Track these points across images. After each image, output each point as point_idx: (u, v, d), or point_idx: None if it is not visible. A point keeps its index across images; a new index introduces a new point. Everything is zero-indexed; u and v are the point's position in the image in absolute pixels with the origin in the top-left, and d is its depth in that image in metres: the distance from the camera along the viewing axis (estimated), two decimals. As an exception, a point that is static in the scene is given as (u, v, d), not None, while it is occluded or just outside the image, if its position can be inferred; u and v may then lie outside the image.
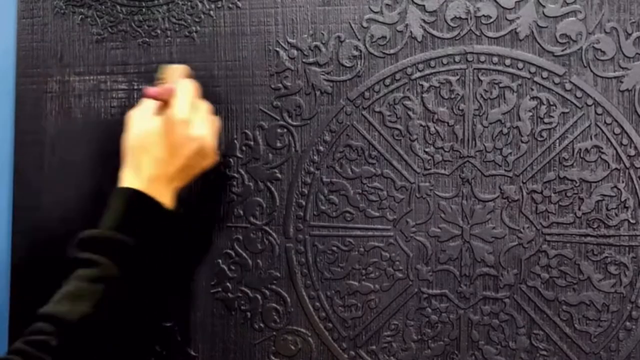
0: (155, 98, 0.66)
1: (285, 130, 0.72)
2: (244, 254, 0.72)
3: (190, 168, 0.65)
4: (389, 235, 0.70)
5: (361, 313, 0.70)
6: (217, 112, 0.73)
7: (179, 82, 0.67)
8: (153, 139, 0.64)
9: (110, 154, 0.76)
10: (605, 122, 0.66)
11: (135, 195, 0.63)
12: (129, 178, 0.64)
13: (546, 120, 0.67)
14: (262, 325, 0.72)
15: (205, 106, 0.68)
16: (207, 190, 0.73)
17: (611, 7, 0.66)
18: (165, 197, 0.64)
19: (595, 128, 0.66)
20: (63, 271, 0.61)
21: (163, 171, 0.64)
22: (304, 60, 0.71)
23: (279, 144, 0.72)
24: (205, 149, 0.65)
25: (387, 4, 0.70)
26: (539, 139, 0.67)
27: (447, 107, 0.69)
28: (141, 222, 0.63)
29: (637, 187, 0.66)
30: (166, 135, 0.64)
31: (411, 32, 0.69)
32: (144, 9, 0.75)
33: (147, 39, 0.75)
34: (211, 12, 0.74)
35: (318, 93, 0.71)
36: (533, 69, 0.67)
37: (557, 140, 0.67)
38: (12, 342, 0.77)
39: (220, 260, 0.73)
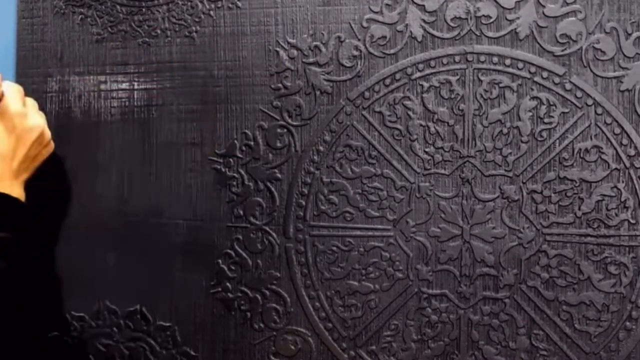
0: None
1: (285, 130, 0.72)
2: (244, 254, 0.72)
3: (32, 158, 0.68)
4: (389, 235, 0.70)
5: (361, 313, 0.70)
6: (217, 112, 0.73)
7: (3, 85, 0.68)
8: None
9: (110, 154, 0.76)
10: (605, 122, 0.66)
11: None
12: None
13: (546, 120, 0.67)
14: (262, 325, 0.72)
15: (33, 101, 0.71)
16: (208, 190, 0.73)
17: (611, 7, 0.66)
18: (16, 191, 0.66)
19: (595, 128, 0.66)
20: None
21: (8, 166, 0.65)
22: (304, 60, 0.71)
23: (279, 144, 0.72)
24: (44, 137, 0.69)
25: (387, 4, 0.70)
26: (539, 139, 0.67)
27: (447, 107, 0.69)
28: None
29: (637, 187, 0.66)
30: (5, 131, 0.66)
31: (411, 32, 0.69)
32: (144, 9, 0.75)
33: (147, 39, 0.75)
34: (211, 12, 0.74)
35: (318, 93, 0.71)
36: (533, 69, 0.67)
37: (557, 140, 0.67)
38: (12, 342, 0.77)
39: (220, 260, 0.73)
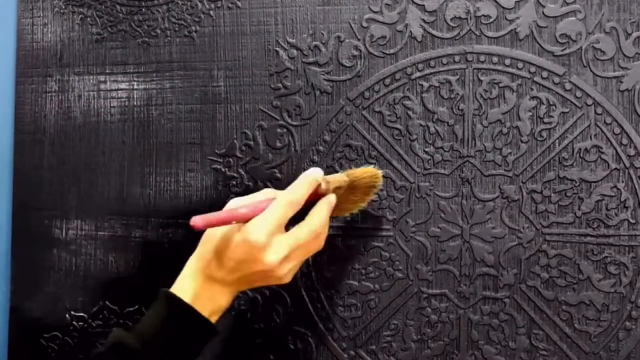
0: (203, 227, 0.57)
1: (285, 130, 0.72)
2: (244, 254, 0.72)
3: (252, 282, 0.60)
4: (389, 235, 0.70)
5: (361, 313, 0.70)
6: (217, 112, 0.73)
7: (291, 189, 0.60)
8: (224, 245, 0.58)
9: (110, 154, 0.76)
10: (605, 122, 0.66)
11: (180, 307, 0.58)
12: (190, 268, 0.60)
13: (546, 120, 0.67)
14: (262, 325, 0.72)
15: (306, 227, 0.60)
16: (208, 190, 0.73)
17: (611, 7, 0.66)
18: (219, 298, 0.60)
19: (595, 128, 0.66)
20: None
21: (224, 276, 0.59)
22: (304, 60, 0.71)
23: (279, 144, 0.72)
24: (273, 275, 0.59)
25: (387, 4, 0.70)
26: (539, 139, 0.67)
27: (447, 107, 0.69)
28: (179, 336, 0.58)
29: (637, 187, 0.66)
30: (232, 248, 0.58)
31: (411, 32, 0.69)
32: (144, 9, 0.75)
33: (147, 39, 0.75)
34: (211, 12, 0.74)
35: (318, 93, 0.71)
36: (533, 69, 0.67)
37: (557, 140, 0.67)
38: (12, 342, 0.77)
39: (220, 260, 0.73)
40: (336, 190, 0.62)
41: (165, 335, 0.58)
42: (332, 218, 0.70)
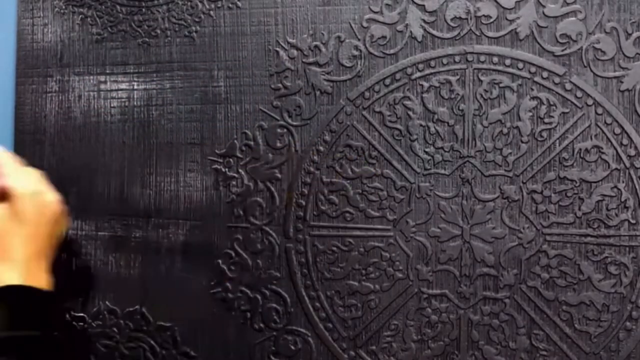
0: None
1: (285, 130, 0.72)
2: (244, 254, 0.72)
3: (52, 236, 0.65)
4: (389, 235, 0.70)
5: (361, 313, 0.70)
6: (217, 112, 0.73)
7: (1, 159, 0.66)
8: (12, 220, 0.63)
9: (110, 154, 0.76)
10: (605, 122, 0.66)
11: (12, 291, 0.60)
12: (5, 270, 0.61)
13: (546, 120, 0.67)
14: (262, 325, 0.72)
15: (36, 173, 0.67)
16: (208, 190, 0.73)
17: (611, 7, 0.66)
18: (43, 273, 0.63)
19: (596, 128, 0.66)
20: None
21: (34, 247, 0.63)
22: (304, 60, 0.71)
23: (279, 144, 0.72)
24: (60, 213, 0.66)
25: (387, 4, 0.70)
26: (539, 139, 0.67)
27: (447, 107, 0.69)
28: (29, 315, 0.61)
29: (637, 187, 0.66)
30: (26, 210, 0.63)
31: (411, 32, 0.69)
32: (144, 9, 0.75)
33: (147, 39, 0.75)
34: (211, 12, 0.74)
35: (318, 93, 0.71)
36: (533, 69, 0.67)
37: (557, 140, 0.67)
38: None
39: (220, 260, 0.73)
40: None
41: (15, 322, 0.59)
42: (332, 218, 0.70)
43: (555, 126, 0.67)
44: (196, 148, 0.74)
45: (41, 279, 0.63)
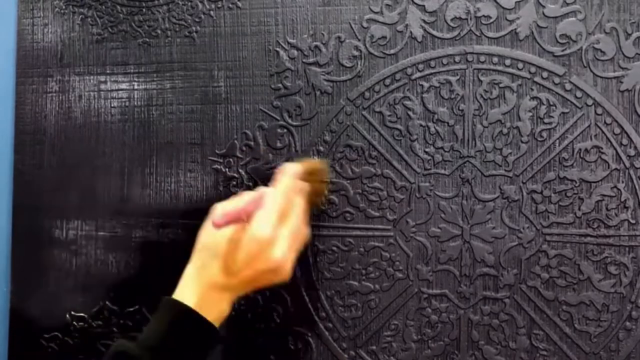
0: (225, 224, 0.58)
1: (285, 130, 0.72)
2: (244, 254, 0.72)
3: (257, 282, 0.60)
4: (389, 235, 0.70)
5: (361, 313, 0.70)
6: (217, 112, 0.73)
7: (278, 184, 0.61)
8: (228, 247, 0.58)
9: (110, 154, 0.76)
10: (605, 122, 0.66)
11: (184, 313, 0.58)
12: (189, 278, 0.60)
13: (546, 120, 0.67)
14: (262, 325, 0.72)
15: (297, 214, 0.61)
16: (208, 190, 0.73)
17: (611, 7, 0.66)
18: (221, 305, 0.59)
19: (595, 128, 0.66)
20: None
21: (227, 281, 0.58)
22: (304, 60, 0.71)
23: (279, 144, 0.72)
24: (280, 269, 0.59)
25: (387, 4, 0.70)
26: (539, 139, 0.67)
27: (447, 107, 0.69)
28: (183, 343, 0.57)
29: (637, 187, 0.66)
30: (243, 248, 0.57)
31: (411, 32, 0.69)
32: (144, 9, 0.75)
33: (147, 39, 0.75)
34: (211, 12, 0.74)
35: (318, 93, 0.71)
36: (533, 69, 0.67)
37: (557, 141, 0.67)
38: (12, 342, 0.77)
39: (220, 260, 0.73)
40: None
41: (170, 343, 0.57)
42: (332, 218, 0.70)
43: (555, 126, 0.67)
44: (196, 148, 0.74)
45: (215, 310, 0.59)
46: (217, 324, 0.59)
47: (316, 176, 0.67)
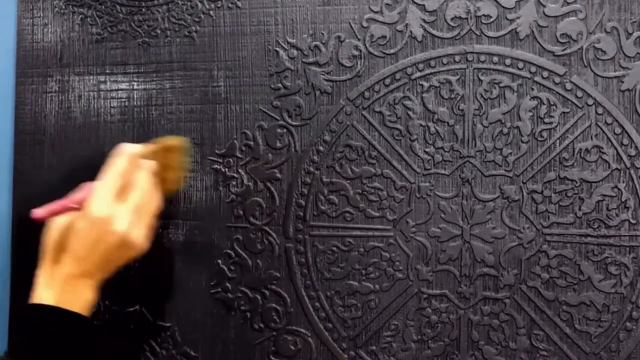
0: (46, 215, 0.61)
1: (285, 130, 0.72)
2: (244, 254, 0.72)
3: (111, 262, 0.62)
4: (389, 236, 0.70)
5: (361, 313, 0.70)
6: (217, 112, 0.73)
7: (109, 166, 0.63)
8: (68, 236, 0.61)
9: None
10: (605, 122, 0.66)
11: (46, 312, 0.58)
12: (43, 278, 0.61)
13: (546, 120, 0.67)
14: (262, 325, 0.72)
15: (142, 186, 0.63)
16: (208, 190, 0.73)
17: (612, 6, 0.66)
18: (83, 293, 0.61)
19: (596, 128, 0.66)
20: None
21: (81, 269, 0.60)
22: (304, 60, 0.71)
23: (279, 144, 0.72)
24: (127, 242, 0.61)
25: (387, 4, 0.70)
26: (539, 139, 0.67)
27: (447, 107, 0.68)
28: (56, 340, 0.58)
29: (637, 187, 0.65)
30: (81, 232, 0.60)
31: (411, 31, 0.69)
32: (143, 9, 0.75)
33: (147, 39, 0.75)
34: (211, 12, 0.74)
35: (318, 93, 0.71)
36: (533, 69, 0.67)
37: (558, 140, 0.67)
38: (13, 343, 0.77)
39: (220, 261, 0.73)
40: (154, 156, 0.66)
41: (42, 345, 0.57)
42: (332, 218, 0.70)
43: (556, 126, 0.67)
44: (196, 148, 0.74)
45: (78, 300, 0.60)
46: (85, 312, 0.60)
47: (172, 154, 0.68)
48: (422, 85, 0.69)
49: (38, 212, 0.59)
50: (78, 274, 0.60)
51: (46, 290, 0.60)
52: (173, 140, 0.68)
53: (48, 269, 0.61)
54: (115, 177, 0.62)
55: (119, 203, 0.61)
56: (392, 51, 0.70)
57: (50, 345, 0.58)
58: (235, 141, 0.73)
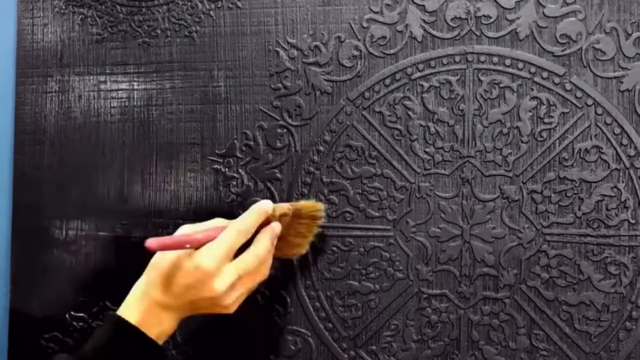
0: (158, 249, 0.59)
1: (285, 130, 0.72)
2: (244, 254, 0.72)
3: (198, 308, 0.60)
4: (389, 236, 0.70)
5: (361, 313, 0.70)
6: (217, 112, 0.73)
7: (240, 220, 0.61)
8: (170, 269, 0.59)
9: (110, 154, 0.76)
10: (605, 122, 0.66)
11: (126, 327, 0.58)
12: (135, 294, 0.60)
13: (546, 120, 0.67)
14: (262, 325, 0.72)
15: (251, 257, 0.60)
16: (208, 190, 0.73)
17: (611, 7, 0.66)
18: (164, 323, 0.60)
19: (595, 128, 0.66)
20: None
21: (169, 301, 0.59)
22: (304, 60, 0.71)
23: (279, 144, 0.72)
24: (218, 303, 0.59)
25: (387, 4, 0.70)
26: (539, 139, 0.67)
27: (447, 107, 0.69)
28: (124, 359, 0.58)
29: (637, 187, 0.66)
30: (182, 273, 0.58)
31: (411, 32, 0.69)
32: (144, 9, 0.75)
33: (147, 39, 0.75)
34: (211, 12, 0.74)
35: (318, 93, 0.71)
36: (533, 69, 0.67)
37: (557, 141, 0.67)
38: (12, 342, 0.77)
39: (220, 260, 0.73)
40: (282, 218, 0.64)
41: (110, 358, 0.57)
42: (332, 218, 0.70)
43: (555, 126, 0.67)
44: (196, 148, 0.74)
45: (158, 329, 0.59)
46: (160, 342, 0.60)
47: (304, 219, 0.66)
48: (422, 85, 0.69)
49: (153, 244, 0.57)
50: (166, 304, 0.59)
51: (134, 307, 0.60)
52: (309, 206, 0.67)
53: (142, 287, 0.60)
54: (238, 235, 0.60)
55: (230, 261, 0.59)
56: (392, 51, 0.70)
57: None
58: (236, 141, 0.73)
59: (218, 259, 0.58)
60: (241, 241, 0.60)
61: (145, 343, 0.58)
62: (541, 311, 0.67)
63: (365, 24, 0.70)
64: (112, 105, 0.76)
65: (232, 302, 0.60)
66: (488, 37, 0.68)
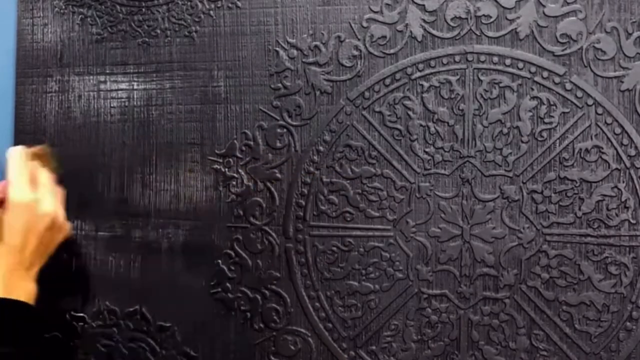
0: None
1: (285, 130, 0.72)
2: (244, 254, 0.72)
3: (44, 246, 0.65)
4: (389, 236, 0.70)
5: (361, 313, 0.70)
6: (217, 112, 0.73)
7: (10, 164, 0.66)
8: (2, 229, 0.63)
9: (110, 154, 0.76)
10: (605, 122, 0.66)
11: None
12: None
13: (546, 120, 0.67)
14: (262, 325, 0.72)
15: (46, 177, 0.68)
16: (208, 190, 0.73)
17: (612, 6, 0.66)
18: (26, 285, 0.63)
19: (596, 128, 0.66)
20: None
21: (19, 258, 0.63)
22: (303, 60, 0.71)
23: (278, 144, 0.72)
24: (56, 223, 0.66)
25: (387, 4, 0.70)
26: (539, 139, 0.67)
27: (447, 107, 0.68)
28: (6, 330, 0.61)
29: (637, 187, 0.65)
30: (13, 219, 0.63)
31: (411, 32, 0.69)
32: (143, 9, 0.75)
33: (147, 39, 0.75)
34: (211, 12, 0.74)
35: (318, 93, 0.71)
36: (533, 69, 0.67)
37: (558, 140, 0.67)
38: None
39: (220, 261, 0.73)
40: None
41: None
42: (332, 218, 0.70)
43: (556, 126, 0.67)
44: (196, 148, 0.74)
45: (22, 291, 0.63)
46: (31, 302, 0.63)
47: (41, 160, 0.71)
48: (422, 85, 0.69)
49: None
50: (19, 264, 0.63)
51: None
52: (38, 149, 0.72)
53: None
54: (22, 169, 0.66)
55: (36, 188, 0.65)
56: (392, 51, 0.70)
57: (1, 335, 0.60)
58: (235, 141, 0.73)
59: (26, 190, 0.64)
60: (26, 172, 0.66)
61: (17, 307, 0.61)
62: (541, 311, 0.67)
63: (365, 24, 0.70)
64: (112, 105, 0.76)
65: (63, 219, 0.67)
66: (488, 37, 0.68)
